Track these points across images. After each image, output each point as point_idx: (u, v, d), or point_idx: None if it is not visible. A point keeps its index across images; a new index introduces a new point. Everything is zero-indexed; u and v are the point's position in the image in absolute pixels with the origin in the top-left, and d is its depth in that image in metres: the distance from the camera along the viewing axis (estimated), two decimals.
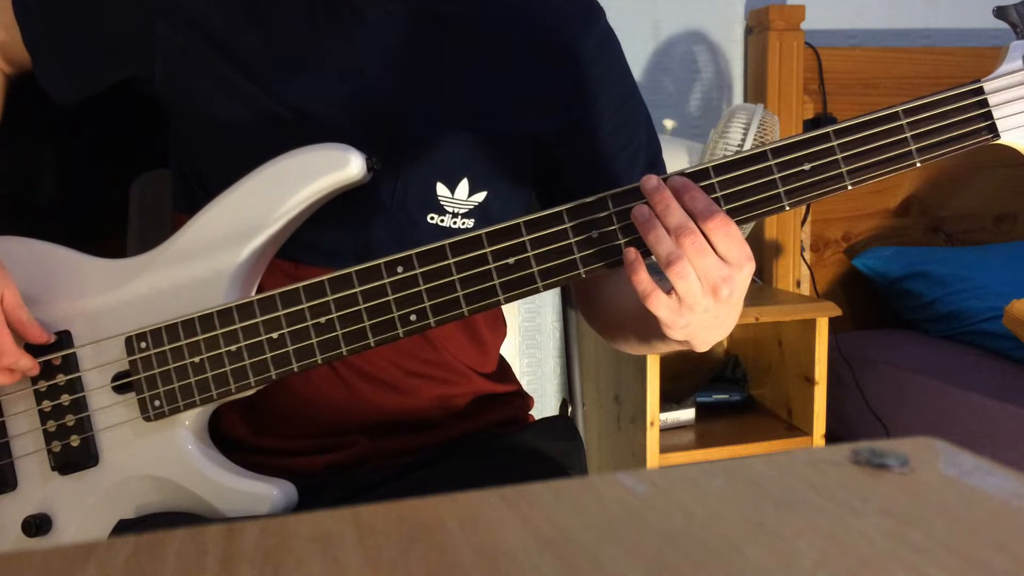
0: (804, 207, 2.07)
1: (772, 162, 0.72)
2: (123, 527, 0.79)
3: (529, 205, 0.93)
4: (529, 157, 0.88)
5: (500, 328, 0.97)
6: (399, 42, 0.85)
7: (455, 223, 0.84)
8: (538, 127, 0.88)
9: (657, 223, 0.69)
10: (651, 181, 0.70)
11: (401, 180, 0.83)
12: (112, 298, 0.81)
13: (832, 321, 1.81)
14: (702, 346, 0.76)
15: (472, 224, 0.85)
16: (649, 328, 0.76)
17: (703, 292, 0.69)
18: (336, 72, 0.84)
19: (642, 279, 0.69)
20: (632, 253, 0.70)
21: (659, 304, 0.69)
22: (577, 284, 0.96)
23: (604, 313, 0.93)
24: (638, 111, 0.93)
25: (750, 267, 0.70)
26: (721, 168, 0.72)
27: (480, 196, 0.85)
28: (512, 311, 1.01)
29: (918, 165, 0.72)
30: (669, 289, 0.69)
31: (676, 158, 1.72)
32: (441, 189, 0.83)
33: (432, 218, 0.84)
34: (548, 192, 0.93)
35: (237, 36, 0.84)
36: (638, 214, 0.70)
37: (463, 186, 0.84)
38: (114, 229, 1.11)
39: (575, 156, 0.89)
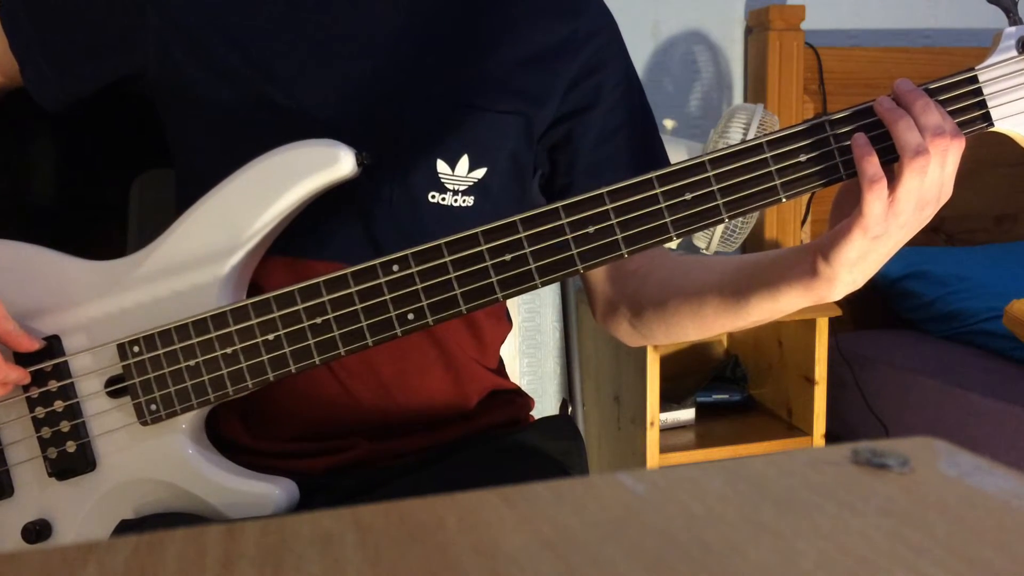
0: (805, 207, 2.07)
1: (768, 154, 0.72)
2: (125, 527, 0.79)
3: (529, 186, 0.93)
4: (531, 132, 0.88)
5: (502, 324, 0.97)
6: (400, 17, 0.85)
7: (455, 201, 0.84)
8: (540, 103, 0.88)
9: (906, 114, 0.70)
10: (907, 83, 0.72)
11: (402, 157, 0.83)
12: (102, 301, 0.80)
13: (832, 321, 1.81)
14: (838, 288, 0.74)
15: (472, 202, 0.85)
16: (739, 294, 0.79)
17: (916, 202, 0.70)
18: (334, 51, 0.84)
19: (874, 162, 0.69)
20: (862, 137, 0.71)
21: (878, 195, 0.69)
22: (614, 278, 0.94)
23: (656, 298, 0.89)
24: (636, 87, 0.95)
25: (938, 206, 0.71)
26: (717, 161, 0.72)
27: (480, 172, 0.85)
28: (512, 311, 1.00)
29: None
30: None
31: (676, 158, 1.72)
32: (441, 166, 0.83)
33: (433, 196, 0.83)
34: (550, 168, 0.93)
35: (230, 17, 0.84)
36: (884, 101, 0.71)
37: (463, 162, 0.84)
38: (114, 229, 1.11)
39: (578, 133, 0.90)
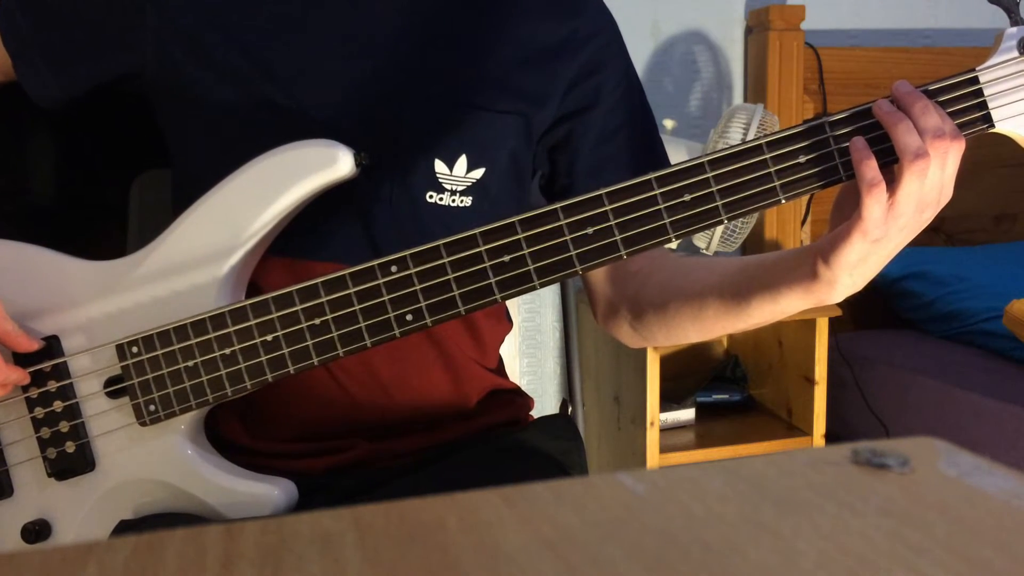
0: (805, 208, 2.07)
1: (767, 155, 0.72)
2: (124, 527, 0.79)
3: (529, 187, 0.93)
4: (530, 133, 0.88)
5: (501, 324, 0.97)
6: (400, 17, 0.85)
7: (453, 201, 0.84)
8: (539, 103, 0.88)
9: (905, 116, 0.70)
10: (906, 85, 0.72)
11: (401, 157, 0.83)
12: (101, 301, 0.80)
13: (832, 321, 1.81)
14: (838, 290, 0.74)
15: (470, 202, 0.85)
16: (740, 296, 0.79)
17: (916, 205, 0.69)
18: (334, 51, 0.84)
19: (873, 166, 0.69)
20: (861, 141, 0.70)
21: (877, 199, 0.69)
22: (614, 280, 0.94)
23: (657, 300, 0.89)
24: (636, 87, 0.95)
25: (939, 208, 0.71)
26: (716, 162, 0.72)
27: (478, 173, 0.85)
28: (512, 311, 1.01)
29: None
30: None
31: (676, 158, 1.72)
32: (439, 166, 0.83)
33: (431, 196, 0.83)
34: (550, 168, 0.93)
35: (230, 16, 0.84)
36: (883, 104, 0.71)
37: (461, 162, 0.84)
38: (114, 229, 1.11)
39: (578, 133, 0.90)
